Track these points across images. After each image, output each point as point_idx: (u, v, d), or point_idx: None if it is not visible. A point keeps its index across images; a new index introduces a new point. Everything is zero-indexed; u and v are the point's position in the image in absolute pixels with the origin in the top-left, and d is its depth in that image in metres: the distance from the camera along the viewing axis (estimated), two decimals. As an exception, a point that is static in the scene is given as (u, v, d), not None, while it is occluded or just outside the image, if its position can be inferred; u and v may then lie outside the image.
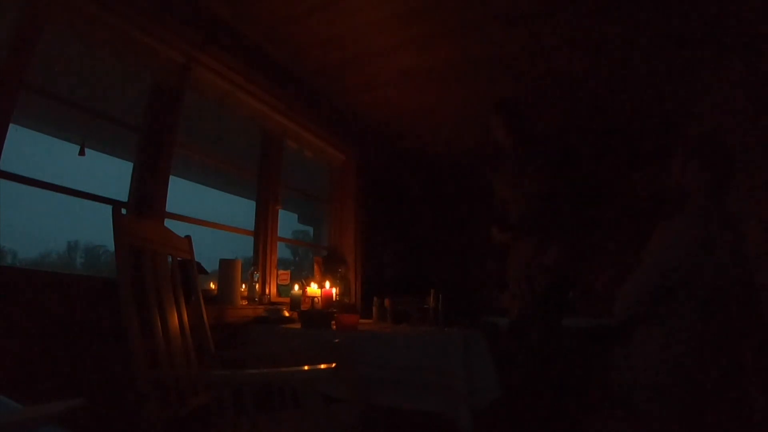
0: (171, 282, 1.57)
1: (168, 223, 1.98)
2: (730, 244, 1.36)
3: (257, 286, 2.51)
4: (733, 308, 1.33)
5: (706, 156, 1.48)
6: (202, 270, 1.90)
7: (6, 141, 1.42)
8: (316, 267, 3.09)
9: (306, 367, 1.07)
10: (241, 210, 3.20)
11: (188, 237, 1.78)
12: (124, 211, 1.88)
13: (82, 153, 2.23)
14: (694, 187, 1.48)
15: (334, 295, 2.65)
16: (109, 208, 1.42)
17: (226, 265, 2.24)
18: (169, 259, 1.64)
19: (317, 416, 1.06)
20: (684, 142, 1.72)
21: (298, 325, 2.22)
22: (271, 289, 2.67)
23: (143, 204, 1.93)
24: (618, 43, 2.44)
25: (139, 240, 1.45)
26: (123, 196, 1.93)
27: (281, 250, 2.88)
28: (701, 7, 2.12)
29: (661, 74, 2.76)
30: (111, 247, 1.37)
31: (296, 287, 2.63)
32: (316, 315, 2.23)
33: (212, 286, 2.32)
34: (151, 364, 1.30)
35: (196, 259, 1.79)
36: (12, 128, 1.47)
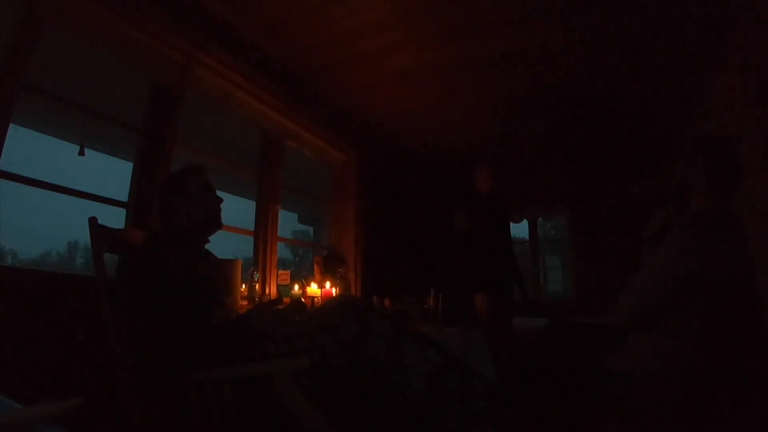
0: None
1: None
2: (734, 246, 1.35)
3: (257, 286, 2.51)
4: (735, 310, 1.33)
5: (711, 155, 1.47)
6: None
7: (6, 141, 1.43)
8: (316, 267, 3.09)
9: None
10: (241, 210, 3.20)
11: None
12: (124, 212, 1.89)
13: (82, 153, 2.24)
14: (698, 186, 1.46)
15: (334, 294, 2.65)
16: (109, 208, 1.42)
17: (226, 265, 2.23)
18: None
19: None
20: (690, 140, 1.70)
21: (298, 325, 2.21)
22: (271, 289, 2.67)
23: (143, 204, 1.93)
24: (618, 45, 2.44)
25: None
26: (123, 196, 1.93)
27: (281, 250, 2.88)
28: (701, 9, 2.12)
29: (661, 77, 2.76)
30: (111, 247, 1.36)
31: (296, 287, 2.63)
32: (316, 315, 2.23)
33: (212, 286, 2.32)
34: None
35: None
36: (12, 128, 1.48)
